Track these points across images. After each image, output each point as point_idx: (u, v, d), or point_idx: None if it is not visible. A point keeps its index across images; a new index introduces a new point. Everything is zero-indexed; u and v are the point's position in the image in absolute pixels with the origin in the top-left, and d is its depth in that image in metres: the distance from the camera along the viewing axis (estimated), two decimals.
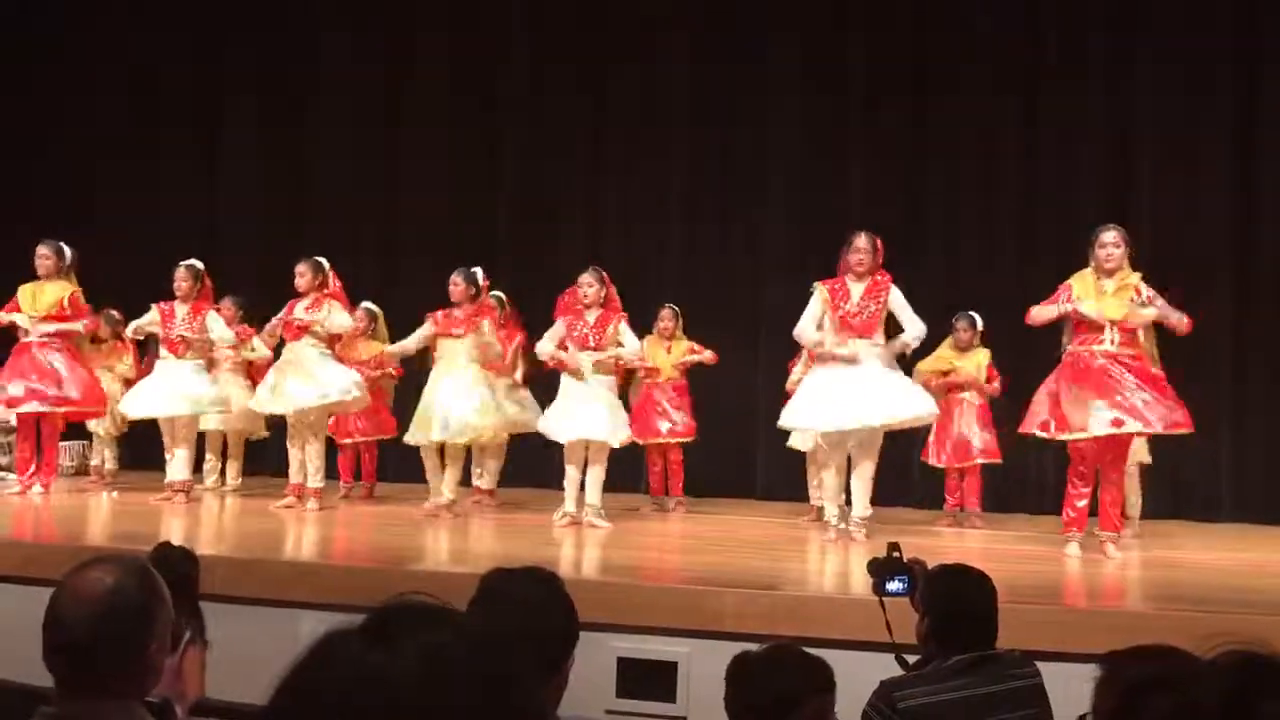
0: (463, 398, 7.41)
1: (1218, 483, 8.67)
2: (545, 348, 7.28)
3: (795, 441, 7.88)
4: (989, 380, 7.79)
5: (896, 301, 6.58)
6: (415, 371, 8.17)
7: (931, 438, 7.86)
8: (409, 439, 7.63)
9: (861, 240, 6.62)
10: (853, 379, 6.45)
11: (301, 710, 0.92)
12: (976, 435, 7.74)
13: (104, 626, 1.90)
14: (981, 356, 7.82)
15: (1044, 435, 6.19)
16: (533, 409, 7.99)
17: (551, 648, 2.09)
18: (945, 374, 7.75)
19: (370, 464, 8.80)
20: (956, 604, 2.96)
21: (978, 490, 7.90)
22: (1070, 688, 3.05)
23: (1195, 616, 4.32)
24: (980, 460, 7.80)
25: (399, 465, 8.70)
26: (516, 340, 8.16)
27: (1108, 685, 1.80)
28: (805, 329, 6.64)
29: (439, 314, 7.60)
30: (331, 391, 7.44)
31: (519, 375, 8.22)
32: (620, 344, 7.21)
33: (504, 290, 8.44)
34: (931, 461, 7.96)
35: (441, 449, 7.60)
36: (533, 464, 8.80)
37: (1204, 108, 8.84)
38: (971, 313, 7.88)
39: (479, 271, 7.69)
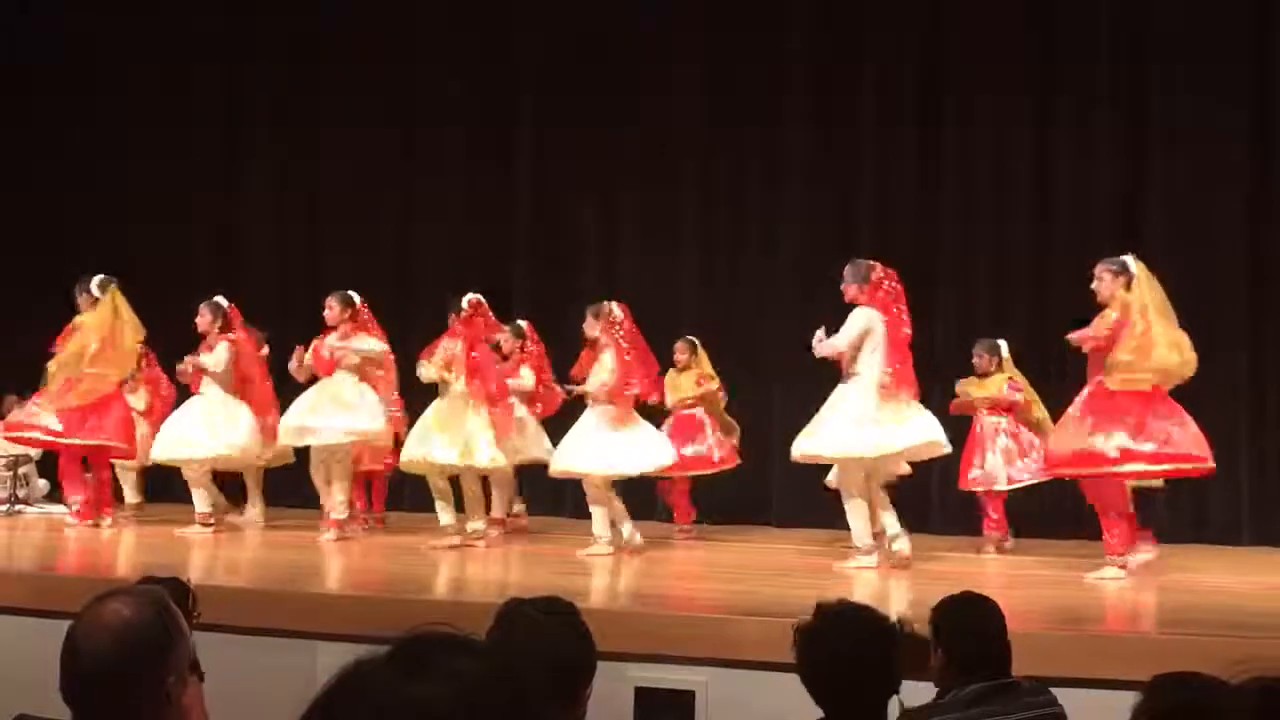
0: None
1: (1237, 506, 8.57)
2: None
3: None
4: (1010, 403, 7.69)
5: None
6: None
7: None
8: (405, 465, 7.60)
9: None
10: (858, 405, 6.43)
11: None
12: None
13: (121, 659, 1.90)
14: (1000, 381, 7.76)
15: None
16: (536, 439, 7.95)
17: (569, 677, 2.08)
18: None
19: (381, 494, 8.76)
20: (967, 632, 2.97)
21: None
22: (1094, 714, 3.03)
23: (1219, 642, 4.28)
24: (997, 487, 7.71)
25: (413, 495, 8.70)
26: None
27: (1142, 713, 1.79)
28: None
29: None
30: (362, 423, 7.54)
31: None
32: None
33: (525, 320, 8.43)
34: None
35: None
36: (547, 493, 8.77)
37: (1220, 113, 8.71)
38: (990, 340, 7.81)
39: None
